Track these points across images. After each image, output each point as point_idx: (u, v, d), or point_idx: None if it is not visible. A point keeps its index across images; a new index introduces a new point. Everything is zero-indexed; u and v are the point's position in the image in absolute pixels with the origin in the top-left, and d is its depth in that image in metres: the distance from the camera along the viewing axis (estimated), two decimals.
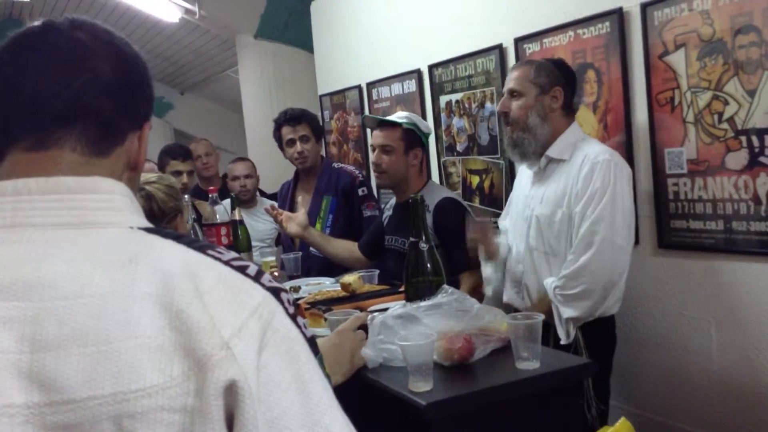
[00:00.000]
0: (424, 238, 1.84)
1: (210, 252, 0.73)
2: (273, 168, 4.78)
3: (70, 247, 0.68)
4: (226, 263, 0.72)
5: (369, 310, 1.86)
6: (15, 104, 0.73)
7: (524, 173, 2.42)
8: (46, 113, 0.73)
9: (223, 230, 2.74)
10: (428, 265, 1.83)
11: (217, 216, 2.70)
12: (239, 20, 5.65)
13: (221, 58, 7.41)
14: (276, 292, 0.73)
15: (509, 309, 2.34)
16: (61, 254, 0.68)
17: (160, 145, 3.90)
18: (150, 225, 0.76)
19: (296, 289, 2.37)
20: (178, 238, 0.74)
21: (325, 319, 1.80)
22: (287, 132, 3.16)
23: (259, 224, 3.75)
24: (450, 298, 1.60)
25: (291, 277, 2.75)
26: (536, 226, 2.24)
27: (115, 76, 0.76)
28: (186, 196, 2.45)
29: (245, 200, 3.73)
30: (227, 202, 3.07)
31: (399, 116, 2.60)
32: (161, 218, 1.85)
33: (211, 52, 7.42)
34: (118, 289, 0.66)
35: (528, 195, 2.32)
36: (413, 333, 1.48)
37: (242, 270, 0.72)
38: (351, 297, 2.10)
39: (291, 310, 0.73)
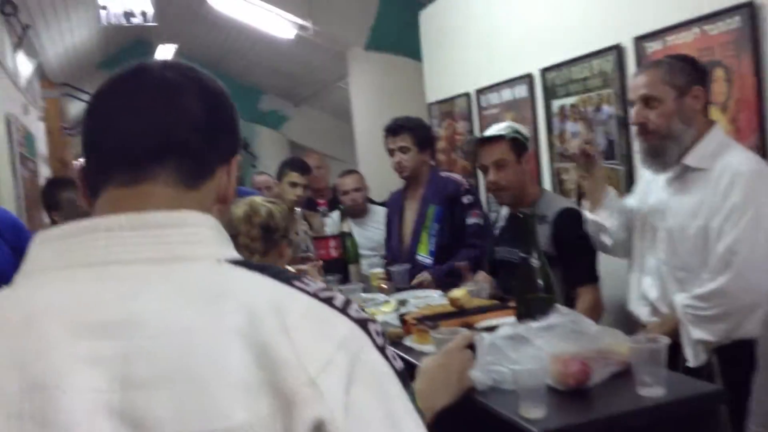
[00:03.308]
0: (535, 254, 1.76)
1: (296, 283, 0.71)
2: (383, 176, 4.81)
3: (159, 283, 0.69)
4: (313, 295, 0.71)
5: (476, 327, 1.80)
6: (110, 143, 0.76)
7: (653, 177, 2.21)
8: (139, 150, 0.75)
9: (332, 242, 2.77)
10: (539, 282, 1.75)
11: (327, 228, 2.74)
12: (350, 33, 5.77)
13: (332, 70, 7.58)
14: (363, 324, 0.70)
15: (632, 321, 2.21)
16: (150, 291, 0.68)
17: (277, 155, 4.03)
18: (238, 257, 0.75)
19: (403, 303, 2.34)
20: (263, 269, 0.73)
21: (432, 337, 1.76)
22: (389, 142, 3.22)
23: (368, 232, 3.78)
24: (564, 319, 1.50)
25: (399, 290, 2.73)
26: (668, 240, 2.07)
27: (204, 112, 0.78)
28: (298, 209, 2.49)
29: (356, 213, 3.77)
30: (336, 214, 3.10)
31: (499, 128, 2.53)
32: (275, 231, 1.96)
33: (323, 65, 7.60)
34: (205, 325, 0.65)
35: (658, 203, 2.16)
36: (524, 356, 1.41)
37: (329, 301, 0.70)
38: (459, 312, 2.05)
39: (380, 341, 0.70)
